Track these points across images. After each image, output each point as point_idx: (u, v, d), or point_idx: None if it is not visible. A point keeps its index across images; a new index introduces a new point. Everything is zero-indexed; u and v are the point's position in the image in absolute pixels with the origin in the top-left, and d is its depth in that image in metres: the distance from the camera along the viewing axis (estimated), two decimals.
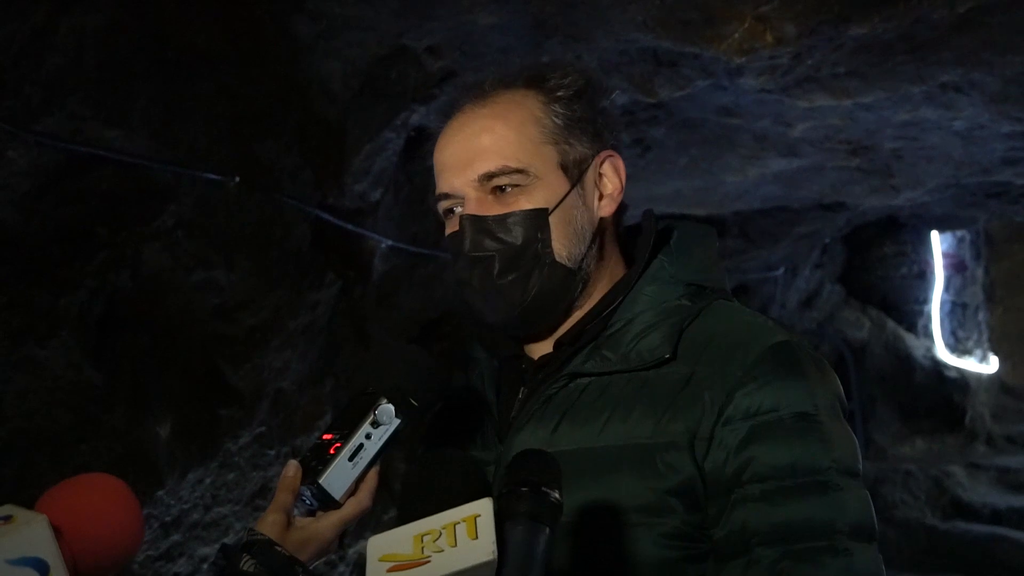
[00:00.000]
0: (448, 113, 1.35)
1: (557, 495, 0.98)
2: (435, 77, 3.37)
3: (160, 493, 2.82)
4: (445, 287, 4.30)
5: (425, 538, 0.95)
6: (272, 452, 3.30)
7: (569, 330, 1.32)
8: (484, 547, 0.93)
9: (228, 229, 2.88)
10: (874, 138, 4.73)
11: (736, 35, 2.98)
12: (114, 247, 2.54)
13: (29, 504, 1.04)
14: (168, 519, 2.92)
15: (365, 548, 0.97)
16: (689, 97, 3.81)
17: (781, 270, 8.19)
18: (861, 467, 1.22)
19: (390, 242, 3.75)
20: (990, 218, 8.38)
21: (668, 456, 1.18)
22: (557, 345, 1.32)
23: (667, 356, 1.23)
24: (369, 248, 3.69)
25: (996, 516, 7.94)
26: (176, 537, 2.97)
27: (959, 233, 9.99)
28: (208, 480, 3.05)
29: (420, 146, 3.42)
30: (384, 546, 0.97)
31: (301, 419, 3.41)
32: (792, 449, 1.16)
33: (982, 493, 8.36)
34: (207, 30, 2.63)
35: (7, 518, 1.00)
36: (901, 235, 9.56)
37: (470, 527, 0.95)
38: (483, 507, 0.96)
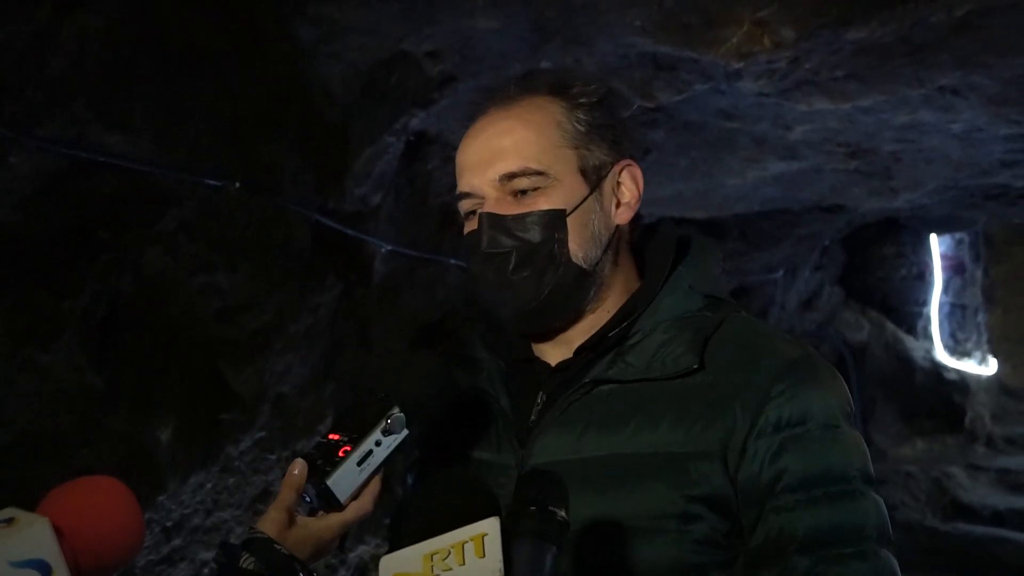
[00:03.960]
0: (472, 117, 1.37)
1: (564, 514, 1.00)
2: (435, 81, 3.37)
3: (162, 498, 2.82)
4: (446, 288, 4.30)
5: (434, 557, 0.97)
6: (273, 456, 3.30)
7: (590, 336, 1.33)
8: (491, 565, 0.95)
9: (230, 232, 2.89)
10: (873, 140, 4.74)
11: (734, 39, 2.99)
12: (116, 250, 2.55)
13: (31, 506, 1.05)
14: (169, 523, 2.92)
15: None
16: (688, 100, 3.82)
17: (781, 272, 8.20)
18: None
19: (390, 247, 3.75)
20: (989, 220, 8.39)
21: (701, 465, 1.21)
22: (578, 351, 1.34)
23: (695, 367, 1.25)
24: (370, 250, 3.69)
25: (997, 517, 7.94)
26: (177, 542, 2.98)
27: (958, 235, 10.00)
28: (209, 484, 3.05)
29: (420, 150, 3.43)
30: (395, 565, 0.99)
31: (302, 423, 3.42)
32: (821, 460, 1.21)
33: (982, 494, 8.37)
34: (208, 33, 2.64)
35: (9, 520, 1.01)
36: (900, 237, 9.58)
37: (478, 546, 0.96)
38: (490, 526, 0.97)
